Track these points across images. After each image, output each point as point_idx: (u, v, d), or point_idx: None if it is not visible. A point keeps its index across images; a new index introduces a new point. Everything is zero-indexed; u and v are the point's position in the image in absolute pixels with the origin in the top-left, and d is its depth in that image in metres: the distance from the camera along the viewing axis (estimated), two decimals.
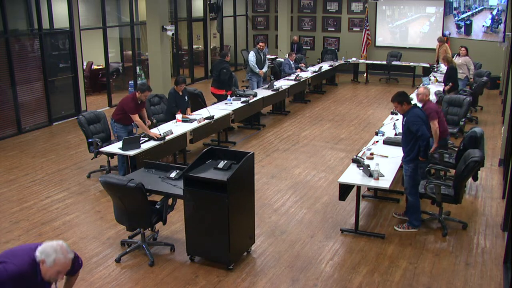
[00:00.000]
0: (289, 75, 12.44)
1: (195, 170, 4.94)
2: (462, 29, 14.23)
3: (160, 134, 7.06)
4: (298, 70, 12.81)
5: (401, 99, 5.56)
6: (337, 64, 14.65)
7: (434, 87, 10.29)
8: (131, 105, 7.19)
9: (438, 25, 15.33)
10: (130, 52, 13.41)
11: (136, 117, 7.20)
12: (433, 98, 8.68)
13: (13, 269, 2.98)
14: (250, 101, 9.38)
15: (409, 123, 5.51)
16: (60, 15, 10.90)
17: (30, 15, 10.24)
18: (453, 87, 9.98)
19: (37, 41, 10.22)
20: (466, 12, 14.04)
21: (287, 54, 13.09)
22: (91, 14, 13.23)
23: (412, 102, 5.72)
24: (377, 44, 16.40)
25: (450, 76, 10.08)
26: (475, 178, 6.34)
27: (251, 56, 10.71)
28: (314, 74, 12.81)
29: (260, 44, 10.92)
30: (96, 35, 12.19)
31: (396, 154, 6.17)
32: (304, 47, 16.61)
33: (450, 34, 14.41)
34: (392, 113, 8.40)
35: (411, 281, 4.80)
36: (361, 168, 5.67)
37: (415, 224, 5.79)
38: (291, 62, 12.79)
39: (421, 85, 7.00)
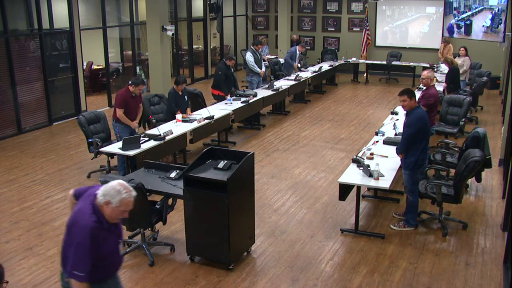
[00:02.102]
0: (291, 66, 12.48)
1: (195, 170, 4.94)
2: (462, 29, 14.23)
3: (137, 124, 7.49)
4: (296, 65, 12.77)
5: (411, 94, 5.55)
6: (337, 64, 14.65)
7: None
8: (120, 98, 7.24)
9: (438, 25, 15.34)
10: (130, 52, 13.42)
11: (120, 112, 7.21)
12: None
13: (85, 225, 3.04)
14: (250, 101, 9.38)
15: (407, 123, 5.57)
16: (60, 15, 10.90)
17: (30, 15, 10.24)
18: (453, 87, 9.98)
19: (37, 41, 10.22)
20: (466, 12, 14.03)
21: (297, 46, 13.01)
22: (91, 14, 13.22)
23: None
24: (377, 44, 16.41)
25: (452, 77, 10.07)
26: (479, 179, 6.34)
27: (249, 57, 10.70)
28: (314, 74, 12.81)
29: (259, 46, 10.90)
30: (96, 35, 12.19)
31: (396, 154, 6.16)
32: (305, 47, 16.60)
33: (453, 33, 14.35)
34: (392, 113, 8.40)
35: (411, 281, 4.80)
36: (361, 168, 5.67)
37: (412, 223, 5.79)
38: (298, 53, 12.75)
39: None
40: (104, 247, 3.10)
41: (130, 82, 7.34)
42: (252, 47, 10.88)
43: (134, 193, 3.13)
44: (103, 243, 3.08)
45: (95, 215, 3.07)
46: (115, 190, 3.06)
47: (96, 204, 3.09)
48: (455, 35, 14.38)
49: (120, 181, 3.12)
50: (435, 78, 11.13)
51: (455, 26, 14.32)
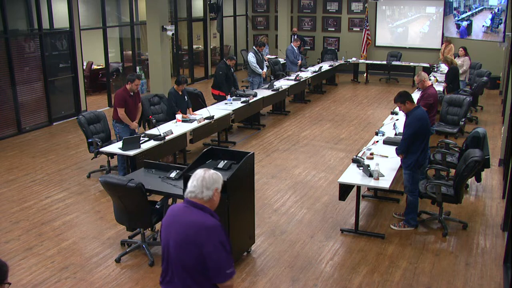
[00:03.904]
0: (295, 64, 12.55)
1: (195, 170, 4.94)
2: (460, 29, 14.21)
3: (137, 126, 7.49)
4: (300, 62, 12.91)
5: (402, 99, 5.58)
6: (337, 64, 14.65)
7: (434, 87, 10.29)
8: (119, 97, 7.25)
9: (438, 25, 15.34)
10: (130, 52, 13.42)
11: (121, 111, 7.21)
12: None
13: None
14: (250, 101, 9.38)
15: (407, 123, 5.58)
16: (60, 15, 10.90)
17: (30, 15, 10.24)
18: (453, 87, 9.99)
19: (37, 41, 10.22)
20: (466, 12, 14.02)
21: (292, 44, 13.07)
22: (91, 14, 13.23)
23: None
24: (377, 44, 16.41)
25: (451, 77, 10.08)
26: (479, 179, 6.34)
27: (251, 57, 10.71)
28: (314, 74, 12.81)
29: (261, 47, 10.93)
30: (96, 35, 12.19)
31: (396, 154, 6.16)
32: (305, 47, 16.61)
33: (465, 35, 14.28)
34: (392, 113, 8.41)
35: (411, 281, 4.80)
36: (361, 168, 5.67)
37: (412, 223, 5.79)
38: (295, 48, 12.82)
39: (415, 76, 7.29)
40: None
41: (126, 79, 7.37)
42: (254, 48, 10.89)
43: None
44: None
45: (208, 213, 2.87)
46: (212, 177, 2.89)
47: (200, 204, 2.86)
48: (454, 35, 14.35)
49: (200, 170, 2.92)
50: (434, 78, 11.21)
51: (455, 26, 14.31)
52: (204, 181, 2.86)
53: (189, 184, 2.90)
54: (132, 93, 7.33)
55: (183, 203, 2.92)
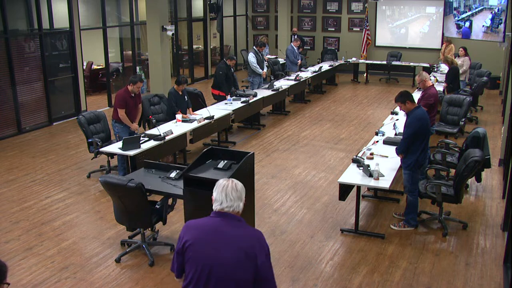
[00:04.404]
0: (295, 64, 12.57)
1: (195, 170, 4.94)
2: (462, 29, 14.21)
3: (137, 128, 7.52)
4: (300, 62, 12.93)
5: (403, 99, 5.58)
6: (337, 64, 14.65)
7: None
8: (120, 98, 7.24)
9: (438, 25, 15.34)
10: (130, 52, 13.41)
11: (122, 112, 7.21)
12: None
13: None
14: (250, 101, 9.38)
15: (407, 123, 5.58)
16: (60, 15, 10.89)
17: (30, 15, 10.24)
18: (453, 87, 9.99)
19: (37, 41, 10.22)
20: (466, 12, 14.02)
21: (292, 43, 13.10)
22: (91, 14, 13.23)
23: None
24: (377, 44, 16.40)
25: (452, 77, 10.08)
26: (479, 179, 6.34)
27: (251, 57, 10.71)
28: (314, 74, 12.82)
29: (262, 47, 10.94)
30: (96, 35, 12.19)
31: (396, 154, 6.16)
32: (304, 47, 16.61)
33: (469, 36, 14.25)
34: (392, 113, 8.40)
35: (411, 281, 4.80)
36: (361, 168, 5.67)
37: (412, 223, 5.79)
38: (295, 48, 12.83)
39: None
40: None
41: (129, 81, 7.36)
42: (254, 48, 10.89)
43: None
44: None
45: (246, 224, 2.82)
46: (243, 188, 2.84)
47: (238, 216, 2.78)
48: (455, 35, 14.35)
49: (228, 182, 2.83)
50: (435, 78, 11.21)
51: (455, 26, 14.30)
52: (239, 193, 2.79)
53: (221, 198, 2.76)
54: (133, 94, 7.33)
55: (214, 217, 2.76)
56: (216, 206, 2.77)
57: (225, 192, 2.77)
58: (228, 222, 2.73)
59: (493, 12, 12.90)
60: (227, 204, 2.75)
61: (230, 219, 2.74)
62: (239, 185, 2.84)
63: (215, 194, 2.80)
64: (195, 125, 7.82)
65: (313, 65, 14.25)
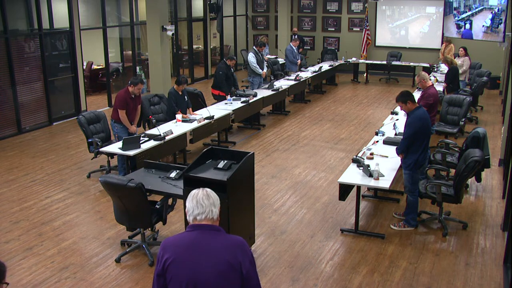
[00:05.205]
0: (295, 64, 12.58)
1: (195, 170, 4.94)
2: (462, 29, 14.21)
3: (135, 131, 7.47)
4: (299, 61, 12.95)
5: (404, 99, 5.59)
6: (337, 64, 14.65)
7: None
8: (120, 99, 7.24)
9: (438, 25, 15.34)
10: (130, 52, 13.42)
11: (122, 113, 7.21)
12: None
13: None
14: (250, 101, 9.38)
15: (408, 123, 5.58)
16: (60, 15, 10.90)
17: (30, 15, 10.24)
18: (453, 87, 9.99)
19: (37, 41, 10.22)
20: (466, 12, 14.02)
21: (291, 43, 13.11)
22: (91, 14, 13.23)
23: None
24: (377, 44, 16.40)
25: (451, 77, 10.08)
26: (479, 179, 6.34)
27: (251, 57, 10.71)
28: (314, 74, 12.82)
29: (262, 47, 10.94)
30: (96, 35, 12.19)
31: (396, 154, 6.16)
32: (304, 47, 16.61)
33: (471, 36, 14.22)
34: (392, 113, 8.40)
35: (411, 281, 4.80)
36: (361, 168, 5.67)
37: (412, 223, 5.79)
38: (294, 48, 12.83)
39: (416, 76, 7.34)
40: None
41: (129, 82, 7.36)
42: (254, 48, 10.89)
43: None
44: None
45: (225, 232, 2.71)
46: (214, 194, 2.70)
47: (213, 225, 2.65)
48: (455, 35, 14.35)
49: (197, 190, 2.68)
50: (434, 78, 11.21)
51: (455, 26, 14.31)
52: (210, 199, 2.64)
53: (192, 206, 2.62)
54: (133, 96, 7.33)
55: (191, 230, 2.62)
56: (189, 217, 2.64)
57: (196, 199, 2.63)
58: (206, 235, 2.59)
59: (493, 12, 12.90)
60: (199, 211, 2.61)
61: (208, 230, 2.60)
62: (212, 193, 2.69)
63: (187, 204, 2.65)
64: (195, 125, 7.82)
65: (313, 65, 14.26)
